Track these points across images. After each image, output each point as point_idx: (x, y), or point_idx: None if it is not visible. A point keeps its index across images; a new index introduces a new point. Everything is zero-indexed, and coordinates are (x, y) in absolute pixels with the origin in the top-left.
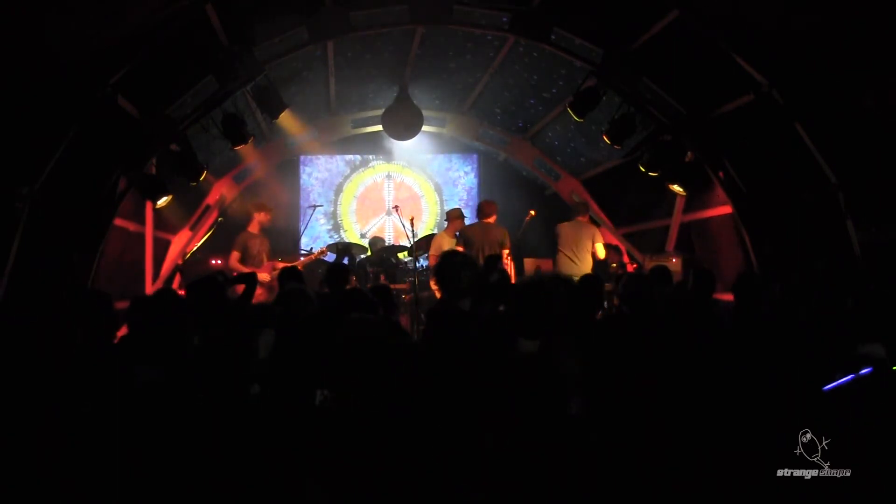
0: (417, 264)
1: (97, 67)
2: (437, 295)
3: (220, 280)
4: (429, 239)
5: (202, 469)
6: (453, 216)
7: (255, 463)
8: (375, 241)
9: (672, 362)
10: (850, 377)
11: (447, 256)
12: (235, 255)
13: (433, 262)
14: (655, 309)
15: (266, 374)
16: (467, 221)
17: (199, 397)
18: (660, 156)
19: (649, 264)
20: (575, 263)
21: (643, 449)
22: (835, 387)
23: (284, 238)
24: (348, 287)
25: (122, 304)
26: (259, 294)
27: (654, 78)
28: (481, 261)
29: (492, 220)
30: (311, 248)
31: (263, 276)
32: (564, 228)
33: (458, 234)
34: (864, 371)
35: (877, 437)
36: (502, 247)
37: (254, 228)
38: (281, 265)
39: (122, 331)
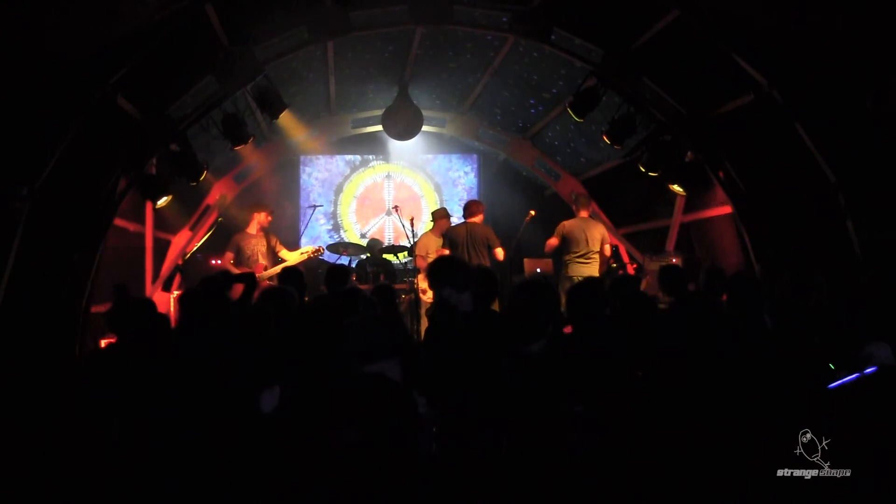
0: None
1: (97, 67)
2: (423, 296)
3: (221, 281)
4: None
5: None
6: (438, 216)
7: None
8: (375, 243)
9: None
10: (854, 376)
11: (438, 261)
12: (228, 255)
13: (419, 262)
14: (656, 310)
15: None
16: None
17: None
18: (660, 156)
19: (649, 264)
20: (587, 265)
21: (643, 448)
22: (839, 385)
23: (285, 238)
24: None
25: None
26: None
27: (654, 78)
28: (468, 260)
29: (477, 219)
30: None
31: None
32: (573, 229)
33: (443, 234)
34: (868, 370)
35: (877, 437)
36: (487, 245)
37: (252, 229)
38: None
39: None
